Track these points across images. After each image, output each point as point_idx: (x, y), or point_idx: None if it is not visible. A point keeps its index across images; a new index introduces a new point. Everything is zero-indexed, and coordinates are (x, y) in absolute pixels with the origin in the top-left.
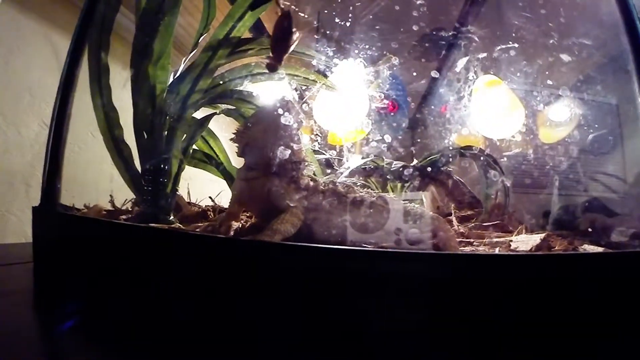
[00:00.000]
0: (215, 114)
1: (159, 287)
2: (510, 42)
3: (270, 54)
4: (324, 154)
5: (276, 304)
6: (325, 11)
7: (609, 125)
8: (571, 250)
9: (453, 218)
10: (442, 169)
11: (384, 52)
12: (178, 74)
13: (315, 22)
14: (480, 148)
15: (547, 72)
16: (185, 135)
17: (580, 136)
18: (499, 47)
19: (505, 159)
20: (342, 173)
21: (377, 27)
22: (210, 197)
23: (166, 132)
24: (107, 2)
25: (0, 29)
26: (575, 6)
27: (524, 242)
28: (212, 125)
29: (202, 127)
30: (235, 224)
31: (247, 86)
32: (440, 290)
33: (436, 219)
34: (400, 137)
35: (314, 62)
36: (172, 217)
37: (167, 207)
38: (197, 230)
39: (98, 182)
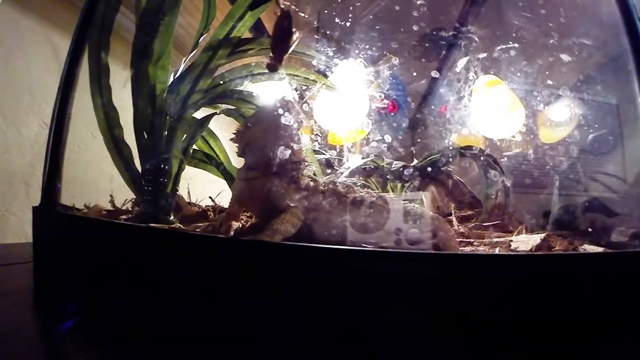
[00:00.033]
0: (215, 114)
1: (159, 287)
2: (511, 42)
3: (271, 54)
4: (324, 154)
5: (276, 304)
6: (325, 11)
7: (609, 125)
8: (571, 250)
9: (453, 218)
10: (442, 169)
11: (384, 52)
12: (178, 74)
13: (315, 22)
14: (480, 148)
15: (547, 72)
16: (185, 135)
17: (580, 136)
18: (499, 47)
19: (505, 159)
20: (342, 173)
21: (377, 27)
22: (210, 197)
23: (166, 132)
24: (107, 2)
25: (0, 29)
26: (575, 6)
27: (524, 242)
28: (212, 125)
29: (202, 127)
30: (236, 224)
31: (247, 86)
32: (440, 290)
33: (436, 219)
34: (400, 137)
35: (314, 62)
36: (172, 217)
37: (167, 207)
38: (197, 230)
39: (98, 182)
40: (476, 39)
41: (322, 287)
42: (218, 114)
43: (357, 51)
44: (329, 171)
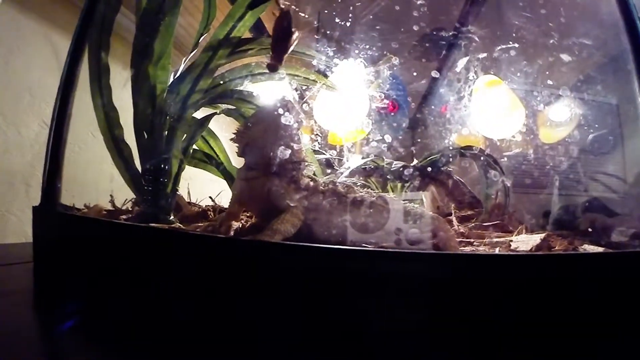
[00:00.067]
0: (215, 114)
1: (159, 287)
2: (511, 42)
3: (271, 54)
4: (324, 154)
5: (276, 304)
6: (325, 11)
7: (609, 125)
8: (571, 250)
9: (453, 218)
10: (442, 169)
11: (384, 52)
12: (178, 74)
13: (315, 22)
14: (480, 148)
15: (547, 72)
16: (185, 135)
17: (580, 136)
18: (499, 47)
19: (505, 159)
20: (342, 173)
21: (377, 27)
22: (210, 197)
23: (166, 132)
24: (107, 2)
25: (0, 29)
26: (575, 6)
27: (524, 242)
28: (212, 125)
29: (202, 127)
30: (236, 224)
31: (248, 86)
32: (440, 290)
33: (436, 219)
34: (400, 137)
35: (314, 62)
36: (172, 217)
37: (167, 207)
38: (197, 230)
39: (98, 182)
40: (476, 39)
41: (322, 287)
42: (218, 114)
43: (357, 51)
44: (329, 171)
